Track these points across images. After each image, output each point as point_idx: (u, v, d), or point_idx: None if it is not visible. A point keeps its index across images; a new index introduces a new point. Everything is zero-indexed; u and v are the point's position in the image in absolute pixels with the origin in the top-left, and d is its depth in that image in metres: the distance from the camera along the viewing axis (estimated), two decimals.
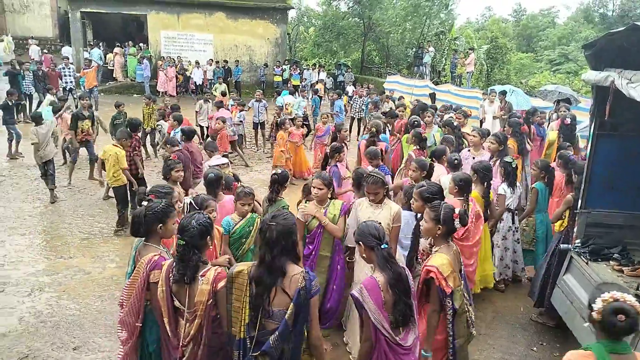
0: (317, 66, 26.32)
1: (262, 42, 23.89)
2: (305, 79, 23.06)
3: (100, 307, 5.44)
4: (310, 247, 4.54)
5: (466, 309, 3.56)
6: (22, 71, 15.33)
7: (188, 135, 7.81)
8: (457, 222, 3.43)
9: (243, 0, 22.77)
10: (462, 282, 3.57)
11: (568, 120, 8.28)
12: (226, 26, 23.19)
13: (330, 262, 4.57)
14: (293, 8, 30.05)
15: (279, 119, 10.78)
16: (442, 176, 5.70)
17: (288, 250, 2.78)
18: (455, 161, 5.80)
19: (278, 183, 4.92)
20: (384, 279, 2.94)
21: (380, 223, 3.23)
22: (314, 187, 4.48)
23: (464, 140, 7.84)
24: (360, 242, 3.12)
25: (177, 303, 2.91)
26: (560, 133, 8.45)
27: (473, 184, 5.04)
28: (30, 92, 15.49)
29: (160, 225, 3.27)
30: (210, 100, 13.20)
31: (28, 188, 9.08)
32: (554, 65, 39.89)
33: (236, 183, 5.21)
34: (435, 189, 4.19)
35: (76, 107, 11.97)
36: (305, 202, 4.77)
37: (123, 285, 3.37)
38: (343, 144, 7.24)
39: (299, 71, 23.02)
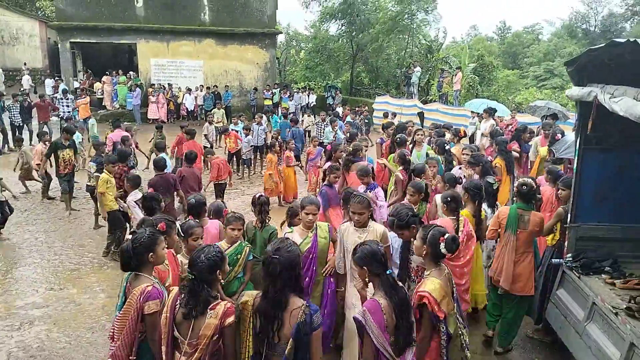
0: (307, 89, 26.54)
1: (252, 67, 24.09)
2: (295, 102, 23.20)
3: (91, 339, 5.35)
4: (308, 274, 4.39)
5: (460, 332, 3.53)
6: (2, 102, 15.26)
7: (190, 159, 7.91)
8: (442, 246, 3.41)
9: (232, 26, 23.00)
10: (456, 304, 3.54)
11: (559, 136, 8.33)
12: (215, 52, 23.40)
13: (322, 287, 4.53)
14: (281, 33, 30.43)
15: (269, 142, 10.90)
16: (436, 196, 5.74)
17: (291, 283, 2.79)
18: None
19: (265, 205, 4.91)
20: (387, 303, 2.93)
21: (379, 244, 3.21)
22: (307, 213, 4.37)
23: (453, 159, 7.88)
24: (365, 267, 3.08)
25: (176, 333, 2.86)
26: (549, 148, 8.52)
27: (464, 202, 5.05)
28: (18, 123, 15.42)
29: (151, 253, 3.23)
30: (213, 123, 13.36)
31: (17, 220, 8.99)
32: (540, 81, 40.51)
33: (226, 209, 5.19)
34: (403, 213, 4.16)
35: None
36: (289, 226, 4.75)
37: (113, 316, 3.31)
38: (337, 164, 7.24)
39: (289, 94, 23.19)
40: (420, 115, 15.27)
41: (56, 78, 23.82)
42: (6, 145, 15.12)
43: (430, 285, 3.33)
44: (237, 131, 13.02)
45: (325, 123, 13.55)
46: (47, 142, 10.47)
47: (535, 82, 39.78)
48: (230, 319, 2.80)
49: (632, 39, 3.30)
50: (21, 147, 10.85)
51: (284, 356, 2.68)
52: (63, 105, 16.82)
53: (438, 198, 5.71)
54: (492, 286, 5.12)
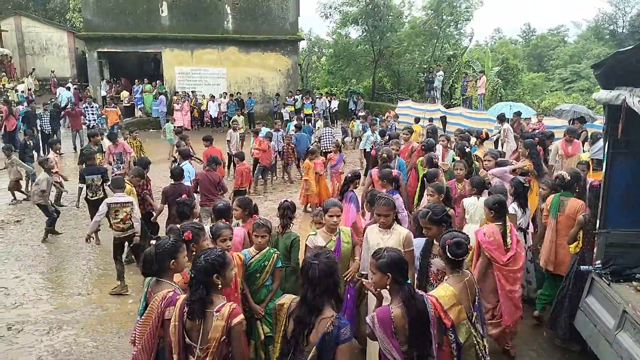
0: (329, 95, 26.61)
1: (274, 74, 24.28)
2: (317, 108, 23.28)
3: (118, 343, 5.43)
4: None
5: (475, 342, 3.43)
6: (35, 111, 15.89)
7: (210, 162, 8.06)
8: (446, 250, 3.39)
9: (254, 34, 23.26)
10: (476, 313, 3.48)
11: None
12: (238, 60, 23.67)
13: (344, 292, 4.52)
14: (303, 39, 30.58)
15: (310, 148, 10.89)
16: (465, 199, 5.72)
17: (330, 290, 2.82)
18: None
19: (288, 211, 4.91)
20: (402, 313, 2.91)
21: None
22: (331, 216, 4.39)
23: (476, 163, 7.78)
24: (390, 274, 3.03)
25: (188, 340, 2.88)
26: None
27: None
28: (48, 131, 15.93)
29: (173, 260, 3.27)
30: (238, 129, 13.59)
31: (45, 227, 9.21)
32: (567, 83, 39.75)
33: (255, 215, 5.19)
34: (439, 209, 4.14)
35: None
36: (314, 230, 4.74)
37: (135, 321, 3.36)
38: (359, 172, 7.23)
39: (311, 100, 23.28)
40: (443, 119, 15.13)
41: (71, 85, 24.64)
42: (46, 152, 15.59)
43: (442, 291, 3.31)
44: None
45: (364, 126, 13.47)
46: (57, 151, 10.80)
47: (562, 85, 39.07)
48: (237, 320, 2.80)
49: None
50: (10, 157, 10.76)
51: None
52: (89, 114, 17.23)
53: (467, 202, 5.69)
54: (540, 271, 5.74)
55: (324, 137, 13.85)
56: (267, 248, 4.41)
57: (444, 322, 3.22)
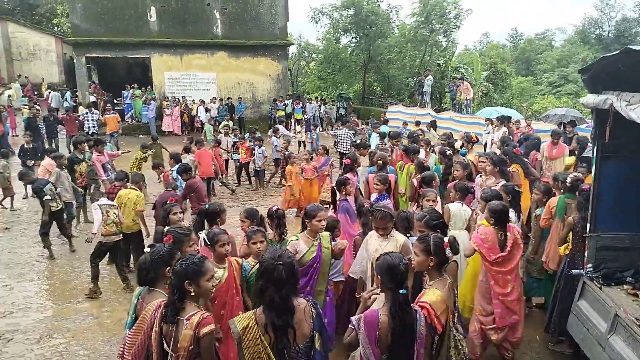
0: (319, 99, 26.65)
1: (264, 79, 24.26)
2: (307, 112, 23.33)
3: (109, 351, 5.38)
4: (304, 279, 4.27)
5: (460, 345, 3.46)
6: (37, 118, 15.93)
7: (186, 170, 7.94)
8: (448, 251, 3.38)
9: (244, 39, 23.24)
10: (456, 314, 3.51)
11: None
12: (228, 65, 23.63)
13: (324, 297, 4.48)
14: (293, 44, 30.65)
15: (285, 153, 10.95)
16: (450, 205, 5.70)
17: (295, 287, 2.79)
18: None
19: (282, 219, 4.88)
20: (389, 321, 2.86)
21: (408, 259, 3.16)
22: (319, 220, 4.34)
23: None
24: (380, 277, 3.01)
25: (166, 347, 2.85)
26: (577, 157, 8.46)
27: (482, 211, 5.03)
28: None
29: (168, 268, 3.25)
30: (230, 134, 13.71)
31: (35, 234, 9.08)
32: (555, 87, 40.24)
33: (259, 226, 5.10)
34: (436, 214, 4.18)
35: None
36: (295, 236, 4.70)
37: (123, 334, 3.31)
38: (348, 177, 7.20)
39: (301, 105, 23.31)
40: (433, 123, 15.20)
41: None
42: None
43: (432, 296, 3.27)
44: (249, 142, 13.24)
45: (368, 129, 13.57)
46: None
47: (550, 89, 39.53)
48: (206, 329, 2.75)
49: None
50: None
51: (316, 351, 2.74)
52: (88, 120, 17.13)
53: (452, 207, 5.63)
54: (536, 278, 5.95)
55: (341, 138, 13.94)
56: None
57: (434, 327, 3.17)
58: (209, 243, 4.09)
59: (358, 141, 11.45)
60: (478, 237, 4.56)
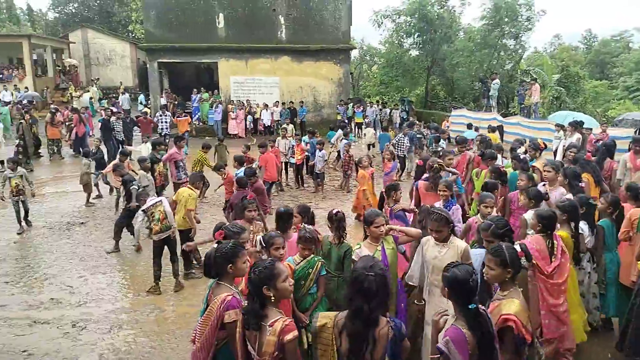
0: (380, 103, 26.50)
1: (326, 82, 24.44)
2: (368, 116, 23.29)
3: (174, 344, 5.58)
4: None
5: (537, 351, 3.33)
6: (110, 119, 16.92)
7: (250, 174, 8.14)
8: (523, 260, 3.24)
9: (307, 43, 23.52)
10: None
11: None
12: (291, 69, 24.01)
13: (395, 300, 4.45)
14: (355, 48, 30.64)
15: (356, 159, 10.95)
16: (526, 214, 5.48)
17: (384, 302, 2.77)
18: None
19: (342, 222, 4.87)
20: (470, 334, 2.78)
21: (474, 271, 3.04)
22: (377, 227, 4.32)
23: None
24: (448, 290, 2.94)
25: (249, 347, 2.92)
26: None
27: (559, 224, 4.77)
28: (121, 138, 16.91)
29: (230, 265, 3.32)
30: (287, 137, 13.87)
31: (109, 229, 9.59)
32: (632, 92, 37.74)
33: (311, 224, 5.14)
34: (502, 223, 4.01)
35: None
36: (358, 244, 4.67)
37: (194, 323, 3.44)
38: (398, 183, 7.08)
39: (362, 109, 23.27)
40: (500, 128, 14.72)
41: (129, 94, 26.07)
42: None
43: (514, 307, 3.16)
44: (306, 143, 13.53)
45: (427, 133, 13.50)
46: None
47: (627, 94, 37.13)
48: (290, 336, 2.75)
49: None
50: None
51: None
52: (162, 122, 18.06)
53: (528, 215, 5.42)
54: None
55: (400, 142, 13.92)
56: (312, 256, 4.36)
57: (523, 338, 3.05)
58: (264, 245, 4.15)
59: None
60: (533, 249, 4.36)
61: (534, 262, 4.31)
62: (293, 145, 13.45)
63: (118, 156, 10.75)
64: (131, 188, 8.41)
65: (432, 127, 15.92)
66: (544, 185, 6.70)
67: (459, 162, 8.80)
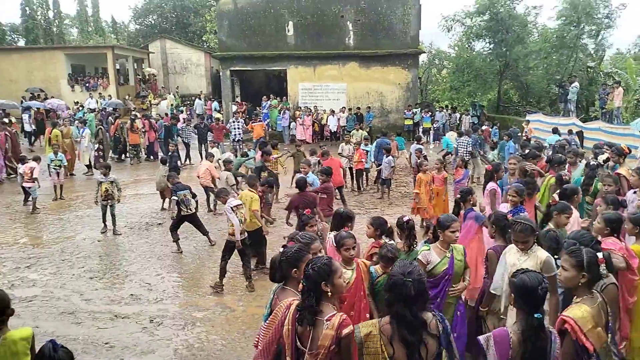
0: (450, 108, 25.92)
1: (393, 88, 24.27)
2: (437, 121, 22.88)
3: (243, 343, 5.77)
4: (434, 291, 4.22)
5: None
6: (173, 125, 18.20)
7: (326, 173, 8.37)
8: (602, 268, 3.06)
9: (375, 49, 23.51)
10: (610, 336, 3.18)
11: None
12: (359, 75, 24.08)
13: (454, 309, 4.37)
14: (424, 52, 30.18)
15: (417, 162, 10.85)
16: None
17: (424, 304, 2.76)
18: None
19: (412, 230, 4.81)
20: (518, 340, 2.71)
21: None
22: (453, 231, 4.26)
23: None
24: (514, 295, 2.87)
25: (298, 344, 2.96)
26: None
27: (634, 237, 4.49)
28: (188, 141, 18.05)
29: (295, 269, 3.36)
30: (350, 142, 13.96)
31: (185, 229, 10.05)
32: None
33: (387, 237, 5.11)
34: (587, 238, 3.81)
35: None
36: (427, 246, 4.60)
37: (260, 325, 3.53)
38: (471, 187, 6.94)
39: (430, 114, 22.90)
40: (579, 134, 13.96)
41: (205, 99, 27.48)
42: (187, 160, 17.94)
43: (577, 311, 2.99)
44: (367, 151, 13.57)
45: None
46: (210, 159, 12.01)
47: None
48: (347, 330, 2.79)
49: None
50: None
51: None
52: (235, 128, 18.79)
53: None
54: None
55: (461, 145, 13.70)
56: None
57: (582, 346, 2.88)
58: (336, 245, 4.20)
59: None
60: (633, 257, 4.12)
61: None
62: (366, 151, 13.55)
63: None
64: (172, 198, 8.99)
65: (514, 134, 15.38)
66: (634, 192, 6.32)
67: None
